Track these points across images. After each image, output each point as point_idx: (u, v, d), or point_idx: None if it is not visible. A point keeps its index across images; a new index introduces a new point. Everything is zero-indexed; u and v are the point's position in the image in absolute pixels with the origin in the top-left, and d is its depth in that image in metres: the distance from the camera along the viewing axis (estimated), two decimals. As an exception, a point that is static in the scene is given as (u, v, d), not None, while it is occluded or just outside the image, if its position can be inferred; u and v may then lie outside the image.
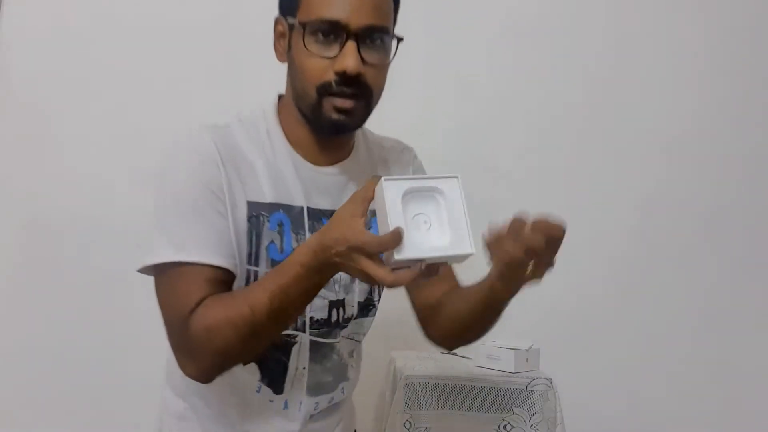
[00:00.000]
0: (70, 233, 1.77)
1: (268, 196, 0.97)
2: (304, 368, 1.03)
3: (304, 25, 0.92)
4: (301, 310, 0.95)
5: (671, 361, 1.98)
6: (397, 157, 1.14)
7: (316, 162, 1.02)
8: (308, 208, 1.00)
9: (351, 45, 0.91)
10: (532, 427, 1.55)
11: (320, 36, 0.92)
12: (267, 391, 1.02)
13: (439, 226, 0.78)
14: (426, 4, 1.87)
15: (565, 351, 1.85)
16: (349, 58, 0.90)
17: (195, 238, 0.91)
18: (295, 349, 1.02)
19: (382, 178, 0.78)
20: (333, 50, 0.91)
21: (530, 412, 1.55)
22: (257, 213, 0.97)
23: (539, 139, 1.98)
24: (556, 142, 1.98)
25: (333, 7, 0.91)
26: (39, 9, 1.84)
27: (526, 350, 1.62)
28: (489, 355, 1.63)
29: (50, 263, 1.80)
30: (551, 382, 1.58)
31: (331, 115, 0.94)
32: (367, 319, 1.10)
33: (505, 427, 1.55)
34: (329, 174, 1.03)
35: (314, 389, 1.05)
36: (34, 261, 1.81)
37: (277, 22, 1.00)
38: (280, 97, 1.05)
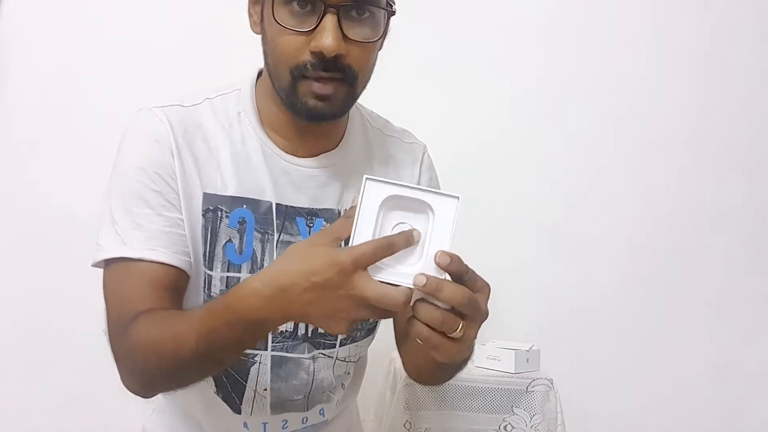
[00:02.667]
0: (70, 234, 1.77)
1: (230, 189, 0.85)
2: (265, 390, 0.90)
3: None
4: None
5: (672, 361, 1.98)
6: (401, 152, 0.98)
7: (294, 151, 0.88)
8: (278, 204, 0.86)
9: (330, 19, 0.75)
10: (533, 427, 1.54)
11: (294, 6, 0.76)
12: (225, 403, 0.91)
13: (420, 248, 0.66)
14: (427, 4, 1.88)
15: (565, 351, 1.85)
16: (327, 36, 0.75)
17: (139, 232, 0.80)
18: (253, 369, 0.88)
19: (365, 176, 0.67)
20: (309, 23, 0.76)
21: (531, 413, 1.55)
22: (215, 207, 0.84)
23: (540, 138, 1.98)
24: (556, 141, 1.98)
25: None
26: (39, 9, 1.83)
27: (527, 351, 1.62)
28: (489, 355, 1.62)
29: (50, 264, 1.80)
30: (552, 383, 1.58)
31: (307, 101, 0.79)
32: (365, 340, 0.97)
33: (505, 427, 1.55)
34: (306, 167, 0.88)
35: (279, 407, 0.92)
36: (34, 262, 1.81)
37: None
38: (261, 71, 0.90)
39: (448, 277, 0.65)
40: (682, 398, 1.97)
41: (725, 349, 1.99)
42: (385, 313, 0.66)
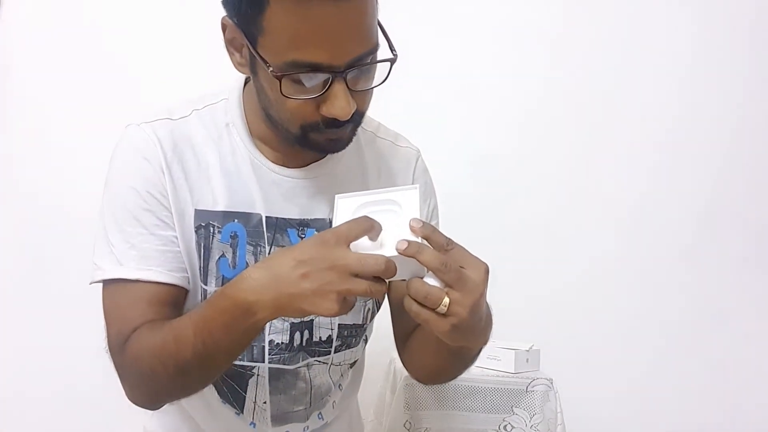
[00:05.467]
0: (70, 233, 1.77)
1: (220, 203, 0.85)
2: (264, 402, 0.91)
3: (279, 77, 0.73)
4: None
5: (672, 360, 1.98)
6: (394, 158, 0.97)
7: (283, 162, 0.88)
8: (268, 217, 0.86)
9: (339, 87, 0.74)
10: (533, 427, 1.55)
11: (298, 78, 0.74)
12: (230, 407, 0.92)
13: (396, 239, 0.70)
14: (426, 5, 1.88)
15: (565, 351, 1.85)
16: (338, 105, 0.74)
17: (134, 252, 0.81)
18: (252, 381, 0.90)
19: (336, 196, 0.75)
20: (316, 89, 0.75)
21: (530, 413, 1.55)
22: (206, 223, 0.84)
23: (538, 139, 1.98)
24: (555, 141, 1.98)
25: (309, 46, 0.71)
26: (39, 9, 1.84)
27: (527, 351, 1.62)
28: (489, 355, 1.62)
29: (50, 264, 1.81)
30: (552, 383, 1.58)
31: (319, 145, 0.81)
32: (359, 347, 0.98)
33: (505, 427, 1.55)
34: (296, 177, 0.88)
35: (280, 419, 0.93)
36: (34, 261, 1.82)
37: (224, 25, 0.79)
38: (248, 80, 0.88)
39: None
40: (682, 398, 1.97)
41: (725, 349, 1.99)
42: (373, 287, 0.67)
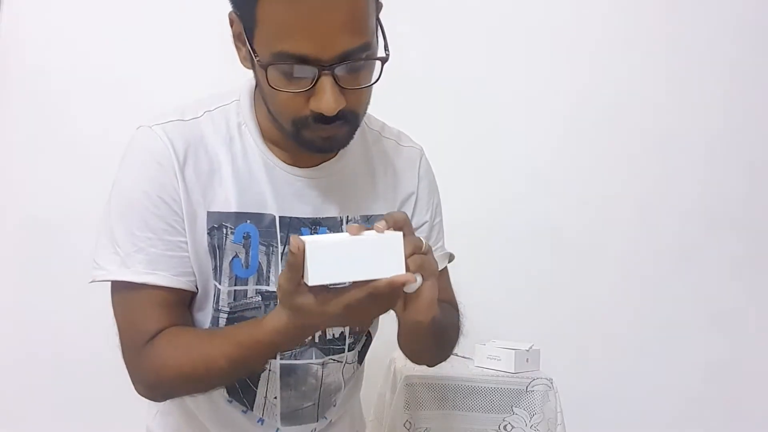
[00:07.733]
0: (70, 232, 1.77)
1: (233, 204, 0.85)
2: (275, 398, 0.92)
3: (264, 67, 0.74)
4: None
5: (672, 361, 1.98)
6: (398, 157, 0.98)
7: (294, 162, 0.88)
8: (281, 217, 0.87)
9: (327, 81, 0.73)
10: (533, 427, 1.55)
11: (287, 70, 0.74)
12: (237, 405, 0.93)
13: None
14: (425, 7, 1.88)
15: (565, 351, 1.85)
16: (325, 99, 0.74)
17: (141, 256, 0.81)
18: (263, 376, 0.91)
19: (303, 240, 0.66)
20: (305, 83, 0.74)
21: (530, 413, 1.55)
22: (219, 224, 0.84)
23: (539, 140, 1.98)
24: (555, 142, 1.98)
25: (296, 37, 0.71)
26: (39, 9, 1.83)
27: (527, 350, 1.62)
28: (489, 355, 1.63)
29: (50, 262, 1.80)
30: (551, 383, 1.58)
31: (313, 142, 0.80)
32: (365, 346, 1.00)
33: (505, 427, 1.55)
34: (308, 177, 0.88)
35: (290, 418, 0.94)
36: (34, 260, 1.81)
37: (231, 20, 0.80)
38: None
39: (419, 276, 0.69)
40: (682, 398, 1.98)
41: (725, 349, 1.99)
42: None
